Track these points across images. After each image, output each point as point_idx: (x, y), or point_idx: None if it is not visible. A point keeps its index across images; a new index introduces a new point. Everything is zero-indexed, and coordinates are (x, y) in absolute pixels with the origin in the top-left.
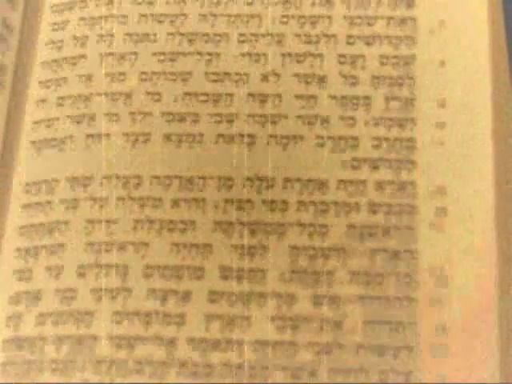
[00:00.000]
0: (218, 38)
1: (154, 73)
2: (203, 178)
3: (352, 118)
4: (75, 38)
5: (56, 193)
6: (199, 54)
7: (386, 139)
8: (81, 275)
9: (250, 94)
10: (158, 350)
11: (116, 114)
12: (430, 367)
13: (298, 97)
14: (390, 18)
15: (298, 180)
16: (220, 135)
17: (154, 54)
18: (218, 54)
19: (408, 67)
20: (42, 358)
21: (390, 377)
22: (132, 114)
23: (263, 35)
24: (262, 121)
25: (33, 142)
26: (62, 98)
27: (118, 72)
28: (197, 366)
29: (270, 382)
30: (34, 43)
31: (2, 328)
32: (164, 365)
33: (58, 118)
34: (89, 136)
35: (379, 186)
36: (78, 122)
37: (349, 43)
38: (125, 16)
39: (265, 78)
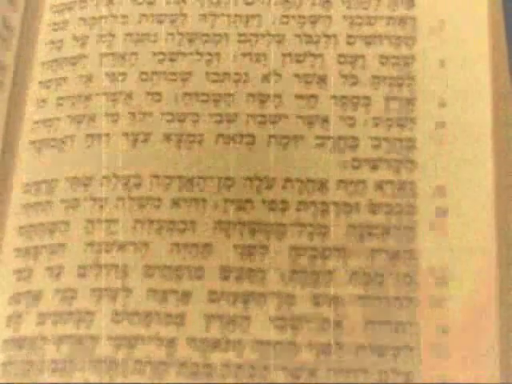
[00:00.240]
0: (217, 37)
1: (154, 73)
2: (203, 178)
3: (352, 118)
4: (75, 37)
5: (56, 193)
6: (199, 54)
7: (386, 139)
8: (81, 275)
9: (250, 94)
10: (157, 350)
11: (116, 114)
12: (431, 367)
13: (298, 97)
14: (389, 18)
15: (298, 180)
16: (220, 135)
17: (154, 53)
18: (217, 54)
19: (408, 67)
20: (42, 358)
21: (390, 377)
22: (132, 114)
23: (263, 35)
24: (262, 121)
25: (33, 142)
26: (61, 98)
27: (118, 72)
28: (197, 366)
29: (269, 382)
30: (34, 43)
31: (2, 328)
32: (164, 365)
33: (57, 118)
34: (89, 136)
35: (379, 186)
36: (77, 122)
37: (349, 43)
38: (125, 16)
39: (265, 77)
